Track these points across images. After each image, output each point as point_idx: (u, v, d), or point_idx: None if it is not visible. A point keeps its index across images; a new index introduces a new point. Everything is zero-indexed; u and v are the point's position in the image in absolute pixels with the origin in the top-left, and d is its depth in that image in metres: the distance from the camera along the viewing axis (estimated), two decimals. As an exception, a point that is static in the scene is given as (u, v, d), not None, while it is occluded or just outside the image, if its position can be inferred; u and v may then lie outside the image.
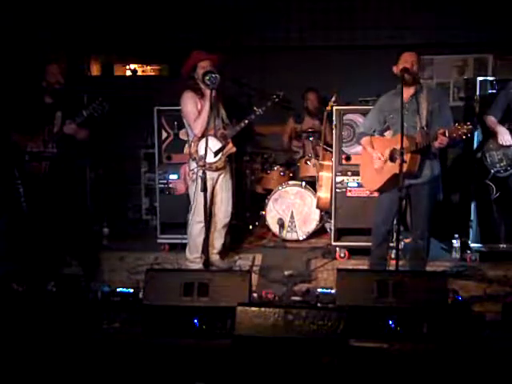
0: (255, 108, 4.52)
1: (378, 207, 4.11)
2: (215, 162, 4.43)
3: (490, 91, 4.66)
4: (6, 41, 5.57)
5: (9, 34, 5.62)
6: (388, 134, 4.03)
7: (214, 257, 4.77)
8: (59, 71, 4.48)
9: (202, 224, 4.23)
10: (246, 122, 4.48)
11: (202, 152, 4.19)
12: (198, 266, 4.47)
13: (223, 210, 4.64)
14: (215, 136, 4.44)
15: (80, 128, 4.42)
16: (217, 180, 4.56)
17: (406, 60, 3.78)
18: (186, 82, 4.40)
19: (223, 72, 4.19)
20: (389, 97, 3.99)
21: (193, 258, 4.55)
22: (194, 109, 4.36)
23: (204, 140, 4.03)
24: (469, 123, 3.50)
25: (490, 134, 4.41)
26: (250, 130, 5.70)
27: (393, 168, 3.78)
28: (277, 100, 4.61)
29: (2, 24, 5.51)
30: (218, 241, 4.75)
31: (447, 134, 3.55)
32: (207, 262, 4.34)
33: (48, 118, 4.43)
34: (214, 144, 4.41)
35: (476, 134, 4.58)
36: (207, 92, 4.19)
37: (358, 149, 4.56)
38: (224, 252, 4.93)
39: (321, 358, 2.70)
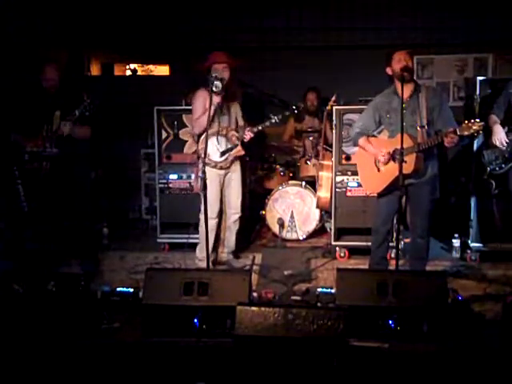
0: (271, 115, 4.52)
1: (377, 209, 4.11)
2: (220, 162, 4.45)
3: (489, 91, 4.66)
4: (6, 40, 5.57)
5: (9, 34, 5.62)
6: (383, 134, 4.02)
7: (228, 256, 4.80)
8: (56, 71, 4.49)
9: (213, 220, 4.37)
10: (260, 128, 4.50)
11: (208, 149, 4.21)
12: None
13: (231, 206, 4.66)
14: (225, 136, 4.46)
15: (79, 126, 4.43)
16: (224, 179, 4.58)
17: (401, 59, 3.78)
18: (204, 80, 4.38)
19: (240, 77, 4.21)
20: (385, 96, 3.97)
21: (202, 257, 4.54)
22: (201, 107, 4.37)
23: (212, 138, 4.20)
24: (478, 119, 3.48)
25: (489, 133, 4.42)
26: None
27: (396, 169, 3.70)
28: (296, 111, 4.65)
29: (2, 23, 5.52)
30: (228, 240, 4.78)
31: (459, 132, 3.53)
32: (210, 259, 4.37)
33: (47, 118, 4.43)
34: (223, 144, 4.44)
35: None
36: (215, 99, 4.21)
37: (357, 149, 4.56)
38: (238, 251, 4.94)
39: (321, 357, 2.70)
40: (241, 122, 4.61)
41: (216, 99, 4.18)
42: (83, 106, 4.32)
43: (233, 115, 4.54)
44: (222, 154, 4.43)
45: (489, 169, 4.46)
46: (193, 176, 5.04)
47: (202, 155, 4.17)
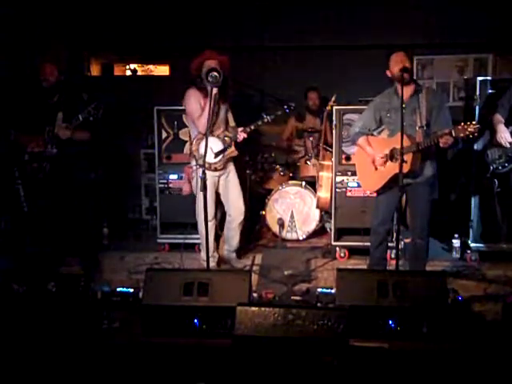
0: (264, 115, 4.48)
1: (375, 209, 4.12)
2: (215, 163, 4.43)
3: (489, 91, 4.66)
4: (7, 40, 5.57)
5: (10, 33, 5.62)
6: (383, 133, 4.03)
7: (230, 255, 4.81)
8: (56, 71, 4.49)
9: (210, 222, 4.28)
10: (252, 127, 4.48)
11: (202, 151, 4.15)
12: (212, 264, 4.45)
13: (235, 209, 4.64)
14: (218, 137, 4.44)
15: (78, 130, 4.44)
16: (218, 181, 4.56)
17: (398, 60, 3.77)
18: (195, 79, 4.34)
19: (233, 74, 4.17)
20: (386, 96, 3.98)
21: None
22: (198, 106, 4.34)
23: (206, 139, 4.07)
24: (475, 122, 3.48)
25: (493, 132, 4.42)
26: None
27: (394, 168, 3.77)
28: (288, 111, 4.62)
29: (2, 23, 5.51)
30: (233, 239, 4.77)
31: (454, 134, 3.53)
32: (215, 260, 4.44)
33: (49, 119, 4.44)
34: (216, 145, 4.41)
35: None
36: (213, 90, 4.14)
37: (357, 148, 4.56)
38: (240, 250, 4.95)
39: (321, 357, 2.70)
40: (232, 123, 4.59)
41: (214, 90, 4.09)
42: (87, 111, 4.30)
43: (224, 116, 4.52)
44: (216, 155, 4.41)
45: (492, 167, 4.47)
46: (183, 176, 5.00)
47: (200, 156, 4.16)
